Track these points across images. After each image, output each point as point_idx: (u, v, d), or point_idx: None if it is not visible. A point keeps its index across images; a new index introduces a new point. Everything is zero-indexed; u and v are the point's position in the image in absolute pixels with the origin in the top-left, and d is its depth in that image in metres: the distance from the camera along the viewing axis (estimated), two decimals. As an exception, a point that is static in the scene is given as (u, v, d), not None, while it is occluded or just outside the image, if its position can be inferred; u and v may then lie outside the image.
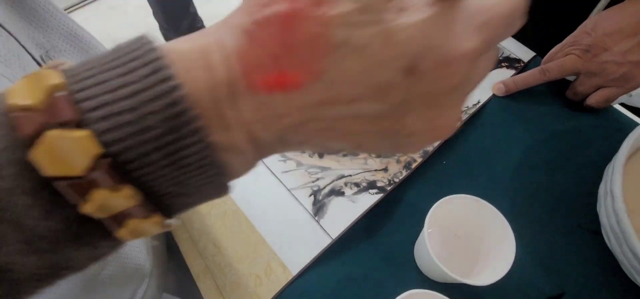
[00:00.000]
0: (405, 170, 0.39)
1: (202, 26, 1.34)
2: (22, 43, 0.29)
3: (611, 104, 0.41)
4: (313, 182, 0.39)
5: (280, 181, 0.39)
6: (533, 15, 0.55)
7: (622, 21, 0.37)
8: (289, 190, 0.38)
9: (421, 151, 0.40)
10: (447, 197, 0.31)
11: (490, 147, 0.41)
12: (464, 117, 0.43)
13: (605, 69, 0.38)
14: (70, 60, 0.36)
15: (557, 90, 0.44)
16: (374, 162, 0.40)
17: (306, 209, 0.37)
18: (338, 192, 0.38)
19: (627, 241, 0.28)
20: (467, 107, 0.43)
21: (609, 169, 0.32)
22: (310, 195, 0.38)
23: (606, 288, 0.33)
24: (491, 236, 0.32)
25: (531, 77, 0.42)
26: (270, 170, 0.39)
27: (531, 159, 0.40)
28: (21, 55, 0.28)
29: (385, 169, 0.40)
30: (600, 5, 0.44)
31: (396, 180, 0.39)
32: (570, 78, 0.42)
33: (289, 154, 0.40)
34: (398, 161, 0.40)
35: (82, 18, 1.66)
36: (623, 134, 0.33)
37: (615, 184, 0.30)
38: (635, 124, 0.41)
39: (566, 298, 0.33)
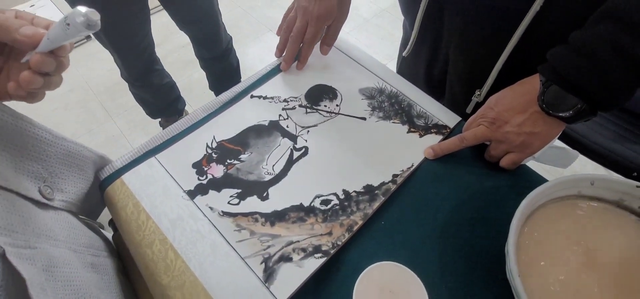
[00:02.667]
0: (347, 233, 0.43)
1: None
2: (13, 189, 0.30)
3: (520, 164, 0.47)
4: (264, 250, 0.42)
5: (235, 250, 0.42)
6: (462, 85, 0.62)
7: (513, 100, 0.43)
8: (242, 258, 0.41)
9: (362, 214, 0.45)
10: (369, 267, 0.35)
11: (421, 206, 0.46)
12: (399, 179, 0.47)
13: (507, 138, 0.44)
14: (69, 182, 0.40)
15: (479, 153, 0.49)
16: (320, 227, 0.44)
17: (257, 276, 0.40)
18: (287, 258, 0.41)
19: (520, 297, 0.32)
20: (402, 170, 0.48)
21: (510, 228, 0.36)
22: (261, 262, 0.41)
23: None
24: (413, 294, 0.35)
25: (452, 144, 0.47)
26: (226, 240, 0.43)
27: (456, 216, 0.44)
28: (16, 204, 0.30)
29: (330, 233, 0.43)
30: (496, 70, 0.50)
31: (339, 243, 0.43)
32: (487, 143, 0.48)
33: (243, 224, 0.44)
34: (341, 225, 0.44)
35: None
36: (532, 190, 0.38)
37: (510, 245, 0.34)
38: (542, 180, 0.46)
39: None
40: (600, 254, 0.36)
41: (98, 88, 1.66)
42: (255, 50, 1.81)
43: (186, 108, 1.41)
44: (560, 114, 0.39)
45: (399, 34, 0.77)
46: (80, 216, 0.44)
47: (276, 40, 0.62)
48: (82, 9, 0.26)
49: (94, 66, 1.74)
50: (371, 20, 1.92)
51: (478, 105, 0.58)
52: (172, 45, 1.81)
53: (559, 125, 0.42)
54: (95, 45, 1.86)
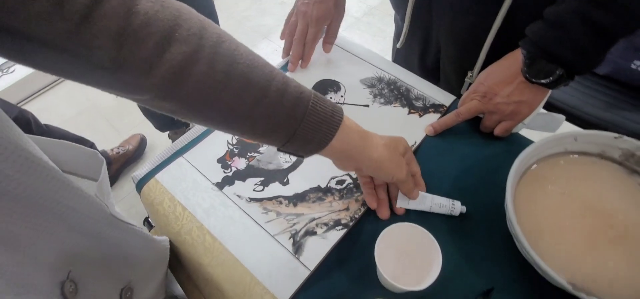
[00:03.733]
0: (363, 207, 0.48)
1: None
2: None
3: (513, 132, 0.51)
4: (291, 227, 0.46)
5: (265, 230, 0.46)
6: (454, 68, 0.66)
7: (501, 74, 0.48)
8: (272, 236, 0.46)
9: (374, 189, 0.49)
10: (388, 227, 0.40)
11: (427, 178, 0.50)
12: (405, 156, 0.52)
13: (499, 108, 0.48)
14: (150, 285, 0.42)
15: (474, 125, 0.54)
16: (338, 204, 0.48)
17: (288, 250, 0.45)
18: (311, 233, 0.46)
19: (520, 242, 0.37)
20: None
21: (506, 188, 0.41)
22: (289, 238, 0.46)
23: (524, 279, 0.41)
24: (427, 251, 0.40)
25: (449, 119, 0.52)
26: (256, 222, 0.47)
27: (459, 183, 0.49)
28: None
29: (347, 209, 0.48)
30: (484, 51, 0.55)
31: (356, 216, 0.47)
32: (481, 115, 0.52)
33: (269, 207, 0.48)
34: (357, 200, 0.48)
35: (42, 105, 1.73)
36: None
37: (508, 200, 0.39)
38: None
39: (496, 292, 0.41)
40: (587, 200, 0.41)
41: (105, 109, 1.70)
42: (253, 58, 1.85)
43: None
44: (542, 81, 0.44)
45: (389, 30, 0.82)
46: None
47: (271, 46, 0.67)
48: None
49: (98, 87, 1.78)
50: (362, 19, 1.98)
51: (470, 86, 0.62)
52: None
53: (543, 91, 0.46)
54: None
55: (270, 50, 1.88)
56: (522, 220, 0.39)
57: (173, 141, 0.53)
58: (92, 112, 1.70)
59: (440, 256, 0.38)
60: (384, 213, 0.46)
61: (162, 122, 1.35)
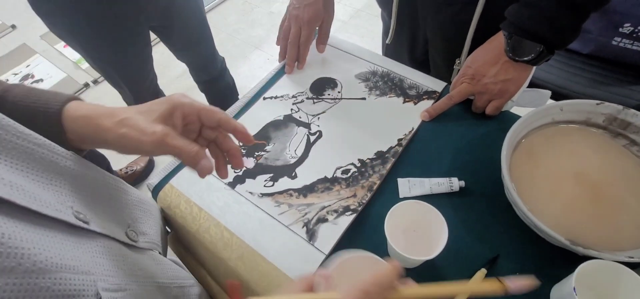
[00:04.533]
0: (369, 192, 0.50)
1: None
2: (109, 234, 0.33)
3: (503, 110, 0.54)
4: (303, 216, 0.48)
5: (279, 221, 0.48)
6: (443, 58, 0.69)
7: (486, 56, 0.51)
8: (286, 226, 0.48)
9: (379, 175, 0.51)
10: (396, 205, 0.42)
11: (426, 160, 0.53)
12: (404, 142, 0.54)
13: (487, 88, 0.51)
14: (146, 225, 0.42)
15: (466, 107, 0.56)
16: (345, 192, 0.50)
17: (302, 237, 0.46)
18: (323, 220, 0.48)
19: (520, 208, 0.39)
20: (405, 134, 0.55)
21: (501, 160, 0.43)
22: (303, 227, 0.47)
23: (525, 242, 0.44)
24: (433, 224, 0.42)
25: (443, 103, 0.55)
26: (269, 215, 0.49)
27: (458, 162, 0.51)
28: (111, 249, 0.32)
29: (354, 195, 0.50)
30: (469, 38, 0.58)
31: (364, 201, 0.49)
32: (472, 97, 0.55)
33: (281, 200, 0.50)
34: (363, 187, 0.51)
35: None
36: None
37: (504, 171, 0.41)
38: (523, 120, 0.54)
39: (501, 258, 0.43)
40: (577, 164, 0.44)
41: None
42: (246, 69, 1.88)
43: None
44: (525, 59, 0.47)
45: (376, 30, 0.84)
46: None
47: (263, 56, 0.69)
48: None
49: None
50: (349, 22, 2.01)
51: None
52: (168, 77, 1.87)
53: (527, 68, 0.49)
54: (98, 90, 1.91)
55: (263, 60, 1.90)
56: (519, 188, 0.41)
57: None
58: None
59: (446, 227, 0.40)
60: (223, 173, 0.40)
61: None
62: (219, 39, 2.04)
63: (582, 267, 0.34)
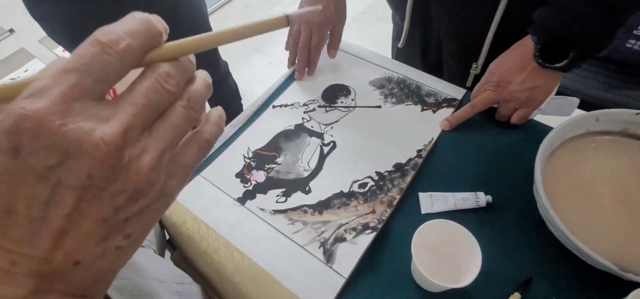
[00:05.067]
0: (389, 208, 0.46)
1: None
2: None
3: (529, 118, 0.51)
4: (319, 235, 0.45)
5: (293, 241, 0.45)
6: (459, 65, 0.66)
7: (512, 62, 0.48)
8: (302, 247, 0.44)
9: (398, 189, 0.48)
10: (424, 224, 0.38)
11: (448, 173, 0.49)
12: (424, 153, 0.51)
13: (513, 96, 0.48)
14: None
15: (489, 116, 0.53)
16: (363, 208, 0.47)
17: (319, 259, 0.43)
18: (341, 239, 0.44)
19: (558, 228, 0.36)
20: (425, 144, 0.52)
21: (534, 173, 0.40)
22: (319, 247, 0.44)
23: (561, 264, 0.40)
24: (463, 246, 0.39)
25: (464, 112, 0.51)
26: (283, 234, 0.45)
27: (481, 175, 0.48)
28: None
29: (373, 211, 0.46)
30: (487, 42, 0.55)
31: (384, 218, 0.46)
32: (495, 105, 0.52)
33: (295, 217, 0.47)
34: (382, 202, 0.47)
35: None
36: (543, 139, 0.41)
37: (538, 186, 0.38)
38: (550, 129, 0.50)
39: (535, 281, 0.40)
40: (616, 179, 0.40)
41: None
42: (248, 73, 1.84)
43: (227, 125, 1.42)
44: (556, 65, 0.43)
45: (380, 34, 0.81)
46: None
47: (266, 60, 0.66)
48: None
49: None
50: (351, 25, 1.98)
51: (476, 77, 0.62)
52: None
53: (557, 75, 0.46)
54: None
55: (265, 64, 1.87)
56: (555, 205, 0.38)
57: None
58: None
59: (479, 252, 0.36)
60: None
61: None
62: (220, 42, 2.00)
63: (636, 295, 0.31)
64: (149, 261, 0.38)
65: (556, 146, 0.43)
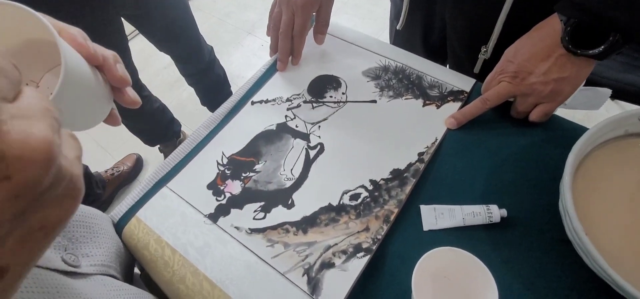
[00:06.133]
0: (385, 224, 0.39)
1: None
2: (38, 264, 0.27)
3: (552, 114, 0.43)
4: (303, 260, 0.38)
5: (272, 267, 0.38)
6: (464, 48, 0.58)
7: (534, 47, 0.39)
8: (282, 274, 0.37)
9: (396, 201, 0.41)
10: (427, 254, 0.31)
11: (455, 181, 0.42)
12: (426, 157, 0.43)
13: (534, 89, 0.40)
14: (92, 245, 0.34)
15: (503, 112, 0.45)
16: (355, 224, 0.40)
17: (302, 290, 0.36)
18: (328, 265, 0.37)
19: (592, 255, 0.29)
20: (427, 146, 0.44)
21: (561, 188, 0.33)
22: (303, 275, 0.37)
23: (591, 291, 0.33)
24: (474, 277, 0.32)
25: (475, 107, 0.44)
26: (260, 258, 0.39)
27: (495, 183, 0.41)
28: (45, 280, 0.26)
29: (367, 229, 0.39)
30: (500, 21, 0.46)
31: (379, 237, 0.39)
32: (511, 99, 0.44)
33: (274, 238, 0.40)
34: (377, 217, 0.40)
35: None
36: (570, 140, 0.34)
37: (568, 204, 0.31)
38: (577, 127, 0.43)
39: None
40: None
41: (92, 129, 1.59)
42: (239, 57, 1.74)
43: (183, 129, 1.35)
44: (590, 52, 0.35)
45: (378, 10, 0.72)
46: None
47: (258, 42, 0.57)
48: None
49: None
50: (348, 2, 1.86)
51: (486, 63, 0.54)
52: (153, 68, 1.73)
53: (589, 64, 0.38)
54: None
55: (257, 47, 1.77)
56: (587, 227, 0.31)
57: (166, 157, 0.45)
58: (78, 135, 1.58)
59: (495, 289, 0.29)
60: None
61: (149, 136, 1.25)
62: (210, 24, 1.90)
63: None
64: (103, 292, 0.32)
65: (587, 151, 0.35)
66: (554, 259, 0.35)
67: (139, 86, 1.07)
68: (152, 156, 1.44)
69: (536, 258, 0.36)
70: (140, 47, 1.62)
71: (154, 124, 1.18)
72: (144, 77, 1.13)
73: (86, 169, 1.20)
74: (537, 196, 0.39)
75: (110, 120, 0.29)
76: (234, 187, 0.44)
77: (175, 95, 1.63)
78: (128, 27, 0.95)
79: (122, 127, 1.20)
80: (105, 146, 1.53)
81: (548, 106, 0.41)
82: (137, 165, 1.41)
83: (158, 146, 1.35)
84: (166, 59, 1.14)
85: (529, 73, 0.40)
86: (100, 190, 1.27)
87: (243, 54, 1.75)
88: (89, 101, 0.24)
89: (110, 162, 1.44)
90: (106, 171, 1.35)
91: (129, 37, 0.99)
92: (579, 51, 0.36)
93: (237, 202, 0.43)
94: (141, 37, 1.04)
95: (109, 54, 0.26)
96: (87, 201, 1.22)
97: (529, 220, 0.38)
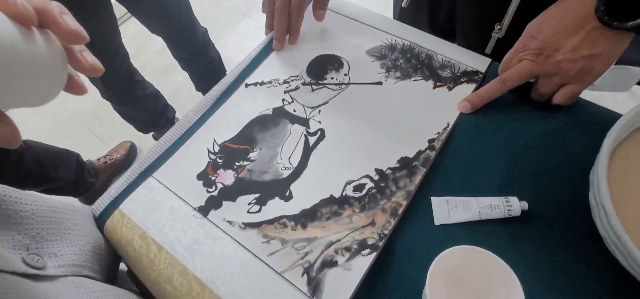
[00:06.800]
0: (392, 218, 0.36)
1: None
2: None
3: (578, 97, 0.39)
4: (302, 258, 0.34)
5: (269, 266, 0.34)
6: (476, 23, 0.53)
7: (563, 19, 0.35)
8: (279, 274, 0.34)
9: (404, 193, 0.37)
10: (442, 253, 0.28)
11: (470, 169, 0.38)
12: (437, 144, 0.39)
13: (561, 68, 0.36)
14: (62, 243, 0.30)
15: (522, 94, 0.41)
16: (359, 218, 0.36)
17: (302, 292, 0.33)
18: (331, 263, 0.34)
19: (631, 255, 0.25)
20: (438, 132, 0.40)
21: (593, 178, 0.29)
22: (302, 274, 0.34)
23: (621, 296, 0.30)
24: (494, 279, 0.28)
25: (492, 89, 0.39)
26: (255, 256, 0.35)
27: (513, 173, 0.37)
28: (3, 285, 0.23)
29: (373, 223, 0.36)
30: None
31: (386, 232, 0.35)
32: (532, 80, 0.40)
33: (271, 233, 0.36)
34: (383, 210, 0.36)
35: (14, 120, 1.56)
36: (598, 126, 0.31)
37: (604, 197, 0.27)
38: (605, 111, 0.39)
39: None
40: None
41: (84, 115, 1.54)
42: (234, 40, 1.68)
43: (177, 115, 1.30)
44: (629, 24, 0.31)
45: None
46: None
47: (254, 25, 0.53)
48: None
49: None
50: (347, -16, 1.79)
51: (499, 43, 0.49)
52: (147, 53, 1.68)
53: (624, 39, 0.34)
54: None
55: (253, 29, 1.71)
56: (624, 223, 0.27)
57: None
58: (70, 122, 1.53)
59: (521, 292, 0.26)
60: None
61: (142, 123, 1.20)
62: (203, 5, 1.82)
63: None
64: (72, 295, 0.28)
65: (622, 139, 0.31)
66: (581, 258, 0.32)
67: (130, 71, 1.02)
68: (146, 144, 1.40)
69: (560, 255, 0.32)
70: (134, 30, 1.56)
71: (147, 110, 1.14)
72: (137, 62, 1.08)
73: (77, 157, 1.16)
74: (561, 187, 0.35)
75: (72, 89, 0.24)
76: (227, 177, 0.40)
77: (169, 80, 1.58)
78: (119, 10, 0.89)
79: (115, 114, 1.16)
80: (98, 134, 1.49)
81: (575, 87, 0.36)
82: (131, 153, 1.36)
83: (152, 133, 1.30)
84: (160, 44, 1.09)
85: (555, 50, 0.35)
86: (93, 179, 1.23)
87: (239, 37, 1.69)
88: (25, 71, 0.19)
89: (103, 150, 1.40)
90: (99, 159, 1.31)
91: (120, 21, 0.93)
92: (615, 23, 0.32)
93: (229, 193, 0.39)
94: (134, 20, 0.99)
95: (52, 5, 0.20)
96: (79, 190, 1.19)
97: (552, 214, 0.34)
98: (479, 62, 0.45)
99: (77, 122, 1.53)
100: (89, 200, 1.22)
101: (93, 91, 1.03)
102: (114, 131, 1.46)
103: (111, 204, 0.40)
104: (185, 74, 1.23)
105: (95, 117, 1.52)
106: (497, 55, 0.44)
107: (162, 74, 1.60)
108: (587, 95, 0.39)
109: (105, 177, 1.30)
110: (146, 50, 1.68)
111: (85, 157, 1.25)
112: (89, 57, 0.24)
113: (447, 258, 0.28)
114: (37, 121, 1.55)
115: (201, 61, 1.15)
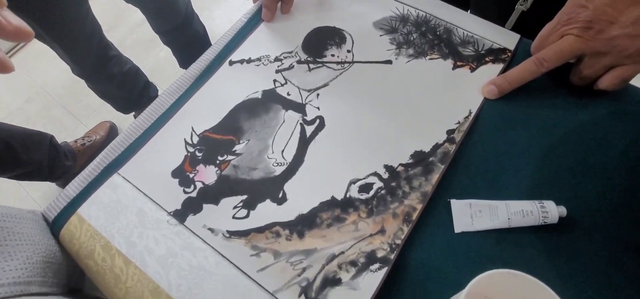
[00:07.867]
0: (405, 225, 0.30)
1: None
2: None
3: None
4: (299, 275, 0.29)
5: (258, 284, 0.29)
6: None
7: None
8: (271, 294, 0.28)
9: (419, 194, 0.31)
10: (477, 278, 0.22)
11: (496, 166, 0.32)
12: (458, 136, 0.33)
13: (615, 45, 0.29)
14: None
15: (559, 77, 0.35)
16: (366, 225, 0.31)
17: (298, 317, 0.27)
18: (333, 281, 0.28)
19: None
20: (459, 122, 0.34)
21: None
22: (299, 295, 0.28)
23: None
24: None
25: (526, 71, 0.33)
26: (242, 272, 0.29)
27: (548, 173, 0.31)
28: None
29: (382, 231, 0.30)
30: None
31: (398, 241, 0.30)
32: (572, 60, 0.33)
33: (261, 244, 0.30)
34: (395, 215, 0.31)
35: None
36: None
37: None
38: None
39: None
40: None
41: (58, 91, 1.44)
42: (222, 13, 1.57)
43: (160, 94, 1.21)
44: None
45: None
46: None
47: None
48: None
49: (46, 68, 1.49)
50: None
51: (523, 17, 0.43)
52: (126, 26, 1.55)
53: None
54: (40, 43, 1.60)
55: (242, 1, 1.59)
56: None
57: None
58: (43, 98, 1.43)
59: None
60: None
61: (122, 103, 1.11)
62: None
63: None
64: None
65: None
66: (631, 274, 0.27)
67: (103, 44, 0.92)
68: (127, 124, 1.32)
69: (605, 269, 0.28)
70: (108, 0, 1.44)
71: (125, 88, 1.05)
72: (114, 36, 0.98)
73: (52, 139, 1.07)
74: (605, 188, 0.30)
75: None
76: (207, 174, 0.34)
77: (151, 56, 1.47)
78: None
79: (92, 93, 1.07)
80: (75, 113, 1.39)
81: (629, 69, 0.30)
82: (111, 134, 1.28)
83: (133, 113, 1.22)
84: (141, 15, 0.99)
85: (610, 23, 0.29)
86: (70, 162, 1.15)
87: (227, 9, 1.58)
88: None
89: (81, 131, 1.31)
90: (76, 141, 1.22)
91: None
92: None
93: (211, 195, 0.33)
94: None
95: None
96: (56, 174, 1.11)
97: (594, 221, 0.29)
98: (507, 39, 0.38)
99: (52, 100, 1.43)
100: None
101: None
102: (92, 110, 1.37)
103: (68, 206, 0.33)
104: (167, 50, 1.14)
105: (71, 94, 1.42)
106: (520, 32, 0.38)
107: (143, 48, 1.49)
108: (635, 80, 0.33)
109: (85, 160, 1.22)
110: (125, 22, 1.56)
111: (60, 139, 1.16)
112: (13, 19, 0.18)
113: (480, 284, 0.23)
114: (6, 99, 1.44)
115: (184, 35, 1.06)
